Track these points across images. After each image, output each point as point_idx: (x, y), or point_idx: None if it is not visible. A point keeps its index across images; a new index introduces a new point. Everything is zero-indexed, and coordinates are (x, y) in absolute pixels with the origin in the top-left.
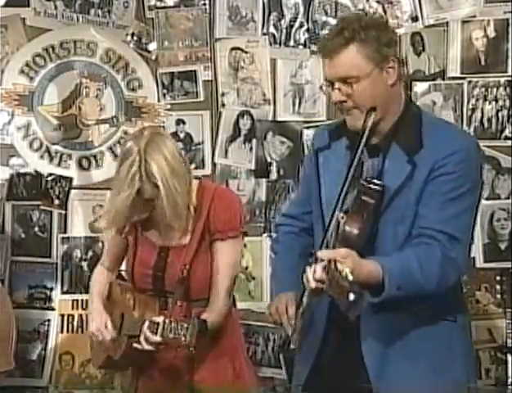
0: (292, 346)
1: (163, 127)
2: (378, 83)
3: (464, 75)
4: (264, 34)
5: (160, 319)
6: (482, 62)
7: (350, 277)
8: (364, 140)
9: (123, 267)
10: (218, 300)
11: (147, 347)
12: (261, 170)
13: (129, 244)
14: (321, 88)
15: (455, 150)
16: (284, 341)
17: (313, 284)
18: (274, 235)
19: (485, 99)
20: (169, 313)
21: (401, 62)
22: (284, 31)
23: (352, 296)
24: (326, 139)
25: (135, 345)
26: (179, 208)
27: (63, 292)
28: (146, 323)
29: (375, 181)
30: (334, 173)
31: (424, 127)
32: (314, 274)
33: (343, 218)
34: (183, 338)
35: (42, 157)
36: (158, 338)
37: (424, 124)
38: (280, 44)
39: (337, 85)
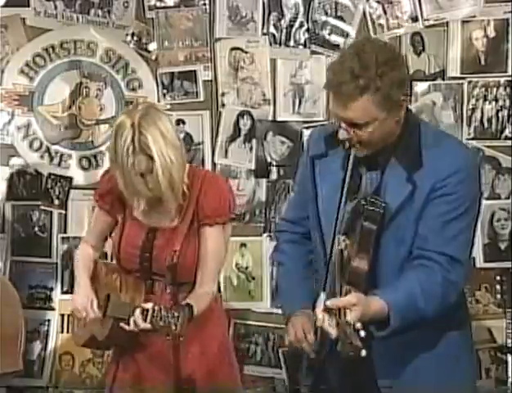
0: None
1: None
2: (386, 123)
3: (464, 75)
4: (264, 34)
5: (150, 306)
6: (482, 62)
7: (362, 334)
8: (349, 172)
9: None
10: (204, 285)
11: (135, 330)
12: (261, 170)
13: (118, 223)
14: (328, 120)
15: (455, 170)
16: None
17: (333, 334)
18: (275, 243)
19: (485, 99)
20: (158, 299)
21: (408, 95)
22: (284, 31)
23: (364, 353)
24: (323, 147)
25: (122, 324)
26: (176, 183)
27: (63, 292)
28: (138, 310)
29: (375, 202)
30: (331, 185)
31: (422, 141)
32: (326, 328)
33: (345, 245)
34: (173, 327)
35: (42, 157)
36: (147, 325)
37: (422, 137)
38: (280, 44)
39: (344, 126)
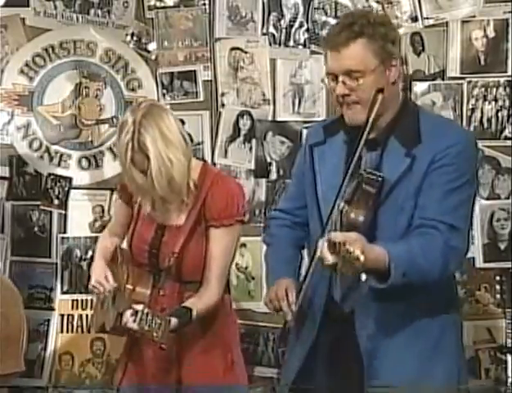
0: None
1: None
2: (381, 79)
3: (463, 75)
4: (264, 34)
5: (140, 308)
6: (482, 62)
7: (362, 258)
8: (369, 126)
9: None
10: (208, 287)
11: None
12: (261, 170)
13: (132, 217)
14: (322, 80)
15: (454, 142)
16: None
17: (330, 260)
18: (266, 228)
19: (485, 99)
20: (155, 301)
21: (402, 61)
22: (283, 31)
23: (364, 277)
24: (321, 135)
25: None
26: (177, 183)
27: (63, 292)
28: (130, 310)
29: (375, 172)
30: (330, 166)
31: (421, 123)
32: (326, 257)
33: (344, 207)
34: (155, 333)
35: (41, 157)
36: (135, 326)
37: (421, 119)
38: (279, 44)
39: (341, 78)
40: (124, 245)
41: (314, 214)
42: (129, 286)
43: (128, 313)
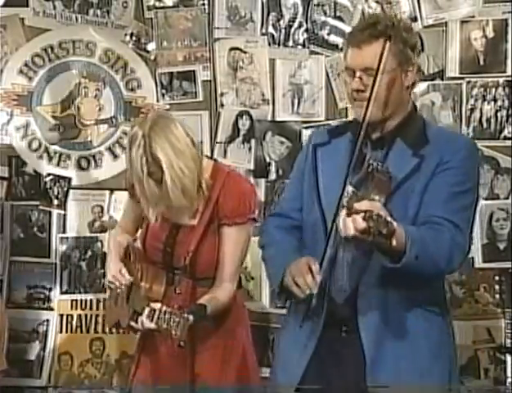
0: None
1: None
2: (396, 81)
3: (462, 75)
4: (263, 34)
5: (157, 307)
6: (481, 62)
7: (395, 223)
8: (371, 104)
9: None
10: (222, 284)
11: (140, 328)
12: (260, 170)
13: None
14: (338, 75)
15: (461, 147)
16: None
17: (353, 232)
18: (262, 231)
19: (484, 99)
20: (168, 299)
21: (419, 69)
22: (283, 31)
23: (394, 242)
24: (326, 136)
25: (132, 323)
26: (187, 189)
27: (62, 292)
28: (147, 309)
29: (385, 165)
30: (334, 163)
31: (427, 128)
32: (356, 224)
33: (354, 191)
34: (173, 331)
35: (41, 157)
36: (152, 325)
37: (427, 126)
38: (279, 44)
39: (359, 74)
40: (137, 243)
41: (312, 210)
42: (144, 284)
43: (146, 312)
